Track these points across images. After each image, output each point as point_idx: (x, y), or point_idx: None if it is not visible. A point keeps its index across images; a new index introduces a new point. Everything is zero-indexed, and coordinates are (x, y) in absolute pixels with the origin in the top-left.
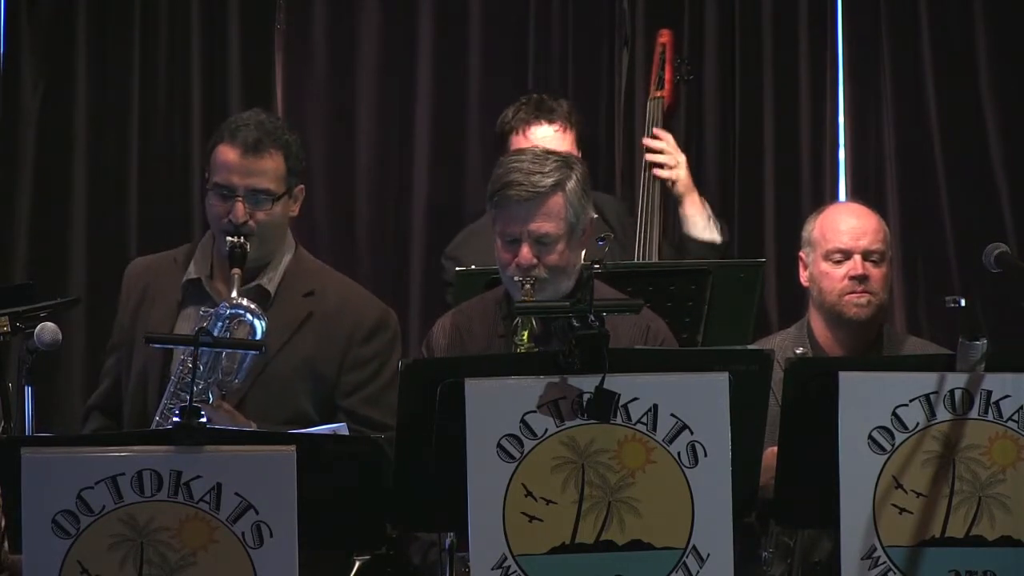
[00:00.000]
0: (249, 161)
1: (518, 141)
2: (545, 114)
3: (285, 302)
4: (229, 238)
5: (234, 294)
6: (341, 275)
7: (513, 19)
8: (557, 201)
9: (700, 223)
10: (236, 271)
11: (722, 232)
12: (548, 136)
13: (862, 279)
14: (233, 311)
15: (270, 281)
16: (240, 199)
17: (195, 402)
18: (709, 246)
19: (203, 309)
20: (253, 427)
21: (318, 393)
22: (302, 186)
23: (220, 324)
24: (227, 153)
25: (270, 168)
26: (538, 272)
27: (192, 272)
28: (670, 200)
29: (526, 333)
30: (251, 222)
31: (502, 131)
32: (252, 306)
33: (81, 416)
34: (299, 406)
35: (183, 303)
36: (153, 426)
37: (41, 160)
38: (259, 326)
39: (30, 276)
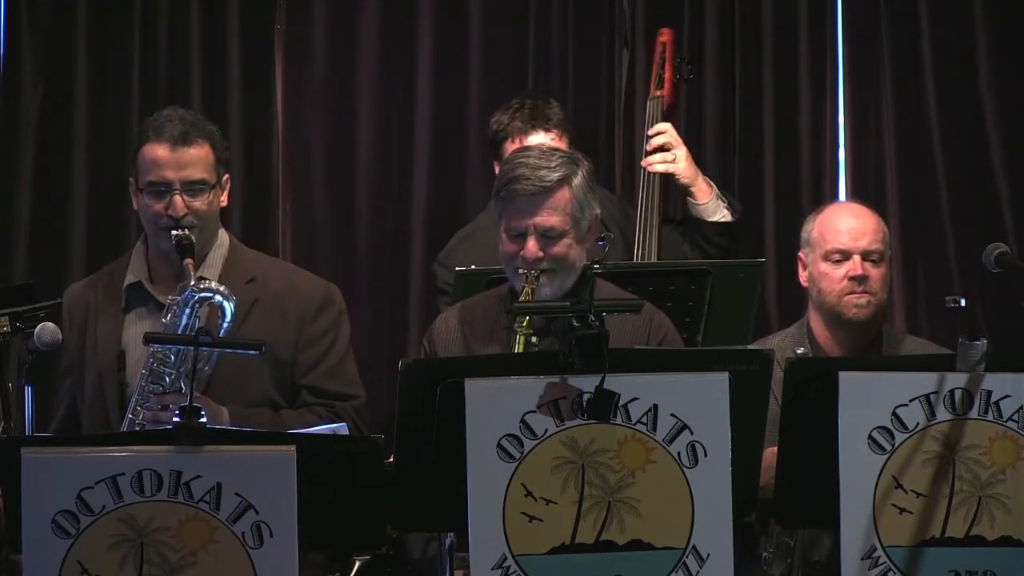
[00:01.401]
0: (180, 153)
1: (513, 148)
2: (541, 122)
3: (229, 290)
4: (174, 232)
5: (192, 282)
6: (277, 259)
7: (513, 19)
8: (563, 195)
9: (710, 207)
10: (189, 261)
11: (731, 207)
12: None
13: (861, 279)
14: (202, 295)
15: (210, 271)
16: (177, 192)
17: (167, 393)
18: (722, 226)
19: (171, 297)
20: (224, 412)
21: (277, 376)
22: (228, 175)
23: (188, 310)
24: (156, 150)
25: (201, 158)
26: (543, 265)
27: (131, 277)
28: (670, 195)
29: (526, 319)
30: (190, 214)
31: (495, 138)
32: (221, 288)
33: None
34: (262, 390)
35: (126, 308)
36: (126, 425)
37: (41, 160)
38: (228, 307)
39: (30, 276)
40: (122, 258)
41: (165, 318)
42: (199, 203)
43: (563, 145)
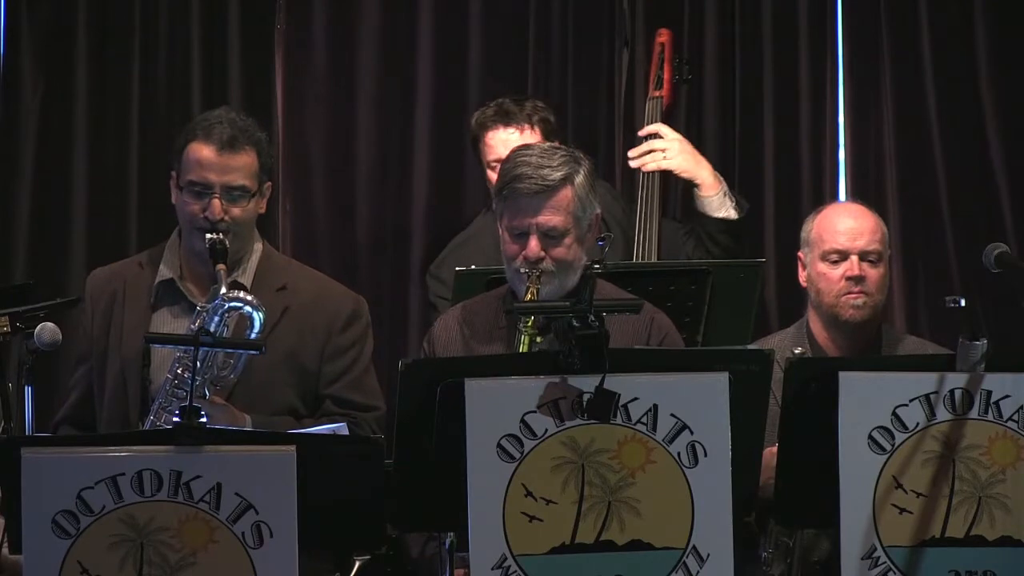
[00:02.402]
0: (225, 158)
1: (483, 147)
2: (502, 118)
3: (261, 297)
4: (208, 235)
5: (223, 289)
6: (309, 268)
7: (513, 19)
8: (566, 195)
9: (715, 202)
10: (221, 267)
11: (738, 207)
12: (512, 140)
13: (858, 280)
14: (232, 304)
15: (244, 277)
16: (216, 196)
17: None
18: (726, 223)
19: (200, 304)
20: (248, 420)
21: (301, 385)
22: (270, 183)
23: (217, 318)
24: (202, 151)
25: (245, 165)
26: (545, 265)
27: (164, 273)
28: (670, 193)
29: (531, 320)
30: (227, 218)
31: (471, 140)
32: (250, 298)
33: (50, 431)
34: (285, 399)
35: (156, 305)
36: (148, 427)
37: (41, 160)
38: (258, 318)
39: (30, 276)
40: (153, 250)
41: (194, 324)
42: (237, 209)
43: (535, 139)
